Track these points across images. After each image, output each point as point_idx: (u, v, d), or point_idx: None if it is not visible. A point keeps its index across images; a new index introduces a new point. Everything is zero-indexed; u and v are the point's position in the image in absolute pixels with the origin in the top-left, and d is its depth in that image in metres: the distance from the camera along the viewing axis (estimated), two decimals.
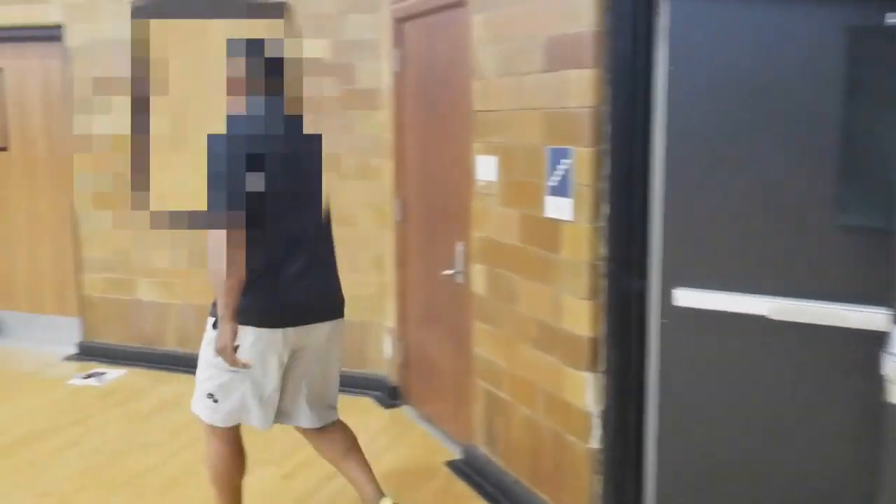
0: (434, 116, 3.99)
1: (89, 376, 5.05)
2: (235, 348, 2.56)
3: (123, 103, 5.06)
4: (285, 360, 2.74)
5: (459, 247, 3.71)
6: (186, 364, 5.15)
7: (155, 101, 4.98)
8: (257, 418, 2.76)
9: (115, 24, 5.00)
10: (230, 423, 2.79)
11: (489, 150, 3.40)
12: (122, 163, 5.03)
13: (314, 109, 4.50)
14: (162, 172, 5.09)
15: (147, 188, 5.10)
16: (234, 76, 2.72)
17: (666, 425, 2.68)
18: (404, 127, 4.29)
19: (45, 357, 5.40)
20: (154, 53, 5.00)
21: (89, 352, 5.38)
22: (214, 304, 2.62)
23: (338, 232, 4.51)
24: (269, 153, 2.60)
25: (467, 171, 3.60)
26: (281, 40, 2.86)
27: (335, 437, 2.97)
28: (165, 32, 4.99)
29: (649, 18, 2.56)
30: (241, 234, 2.50)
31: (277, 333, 2.67)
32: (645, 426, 2.77)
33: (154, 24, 4.90)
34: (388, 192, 4.46)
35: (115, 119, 5.09)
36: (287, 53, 2.78)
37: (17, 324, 5.78)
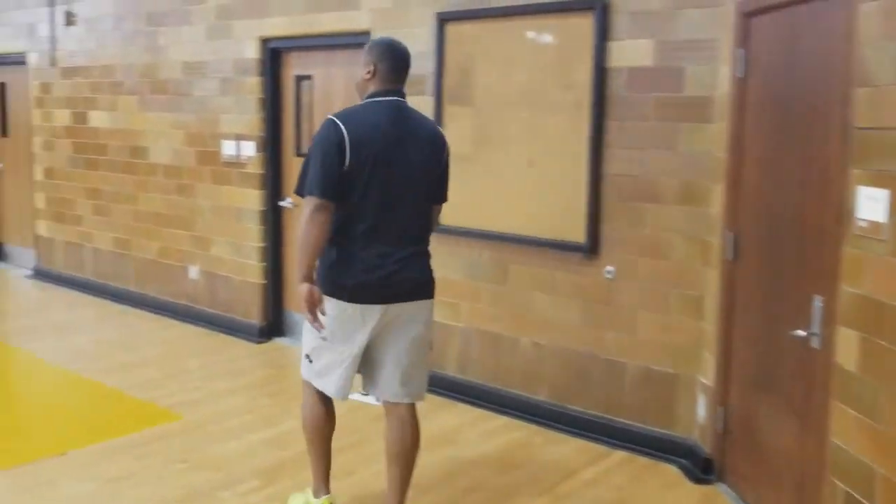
0: (788, 133, 3.18)
1: (368, 394, 4.83)
2: (320, 311, 2.91)
3: (418, 108, 4.81)
4: (368, 333, 2.95)
5: (817, 302, 2.87)
6: (467, 392, 4.86)
7: (456, 111, 4.68)
8: (333, 384, 3.02)
9: (420, 29, 4.75)
10: (338, 393, 3.04)
11: (878, 182, 2.54)
12: None
13: (634, 119, 3.92)
14: (461, 182, 4.76)
15: None
16: (360, 78, 3.07)
17: None
18: (743, 144, 3.51)
19: None
20: (459, 61, 4.69)
21: None
22: (317, 277, 2.97)
23: (645, 264, 3.86)
24: (356, 143, 2.86)
25: (836, 206, 2.77)
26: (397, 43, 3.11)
27: (398, 429, 3.06)
28: (471, 39, 4.66)
29: None
30: (317, 213, 2.85)
31: (357, 308, 2.92)
32: None
33: (460, 29, 4.57)
34: (715, 222, 3.71)
35: None
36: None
37: None
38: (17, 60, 7.79)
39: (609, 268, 4.06)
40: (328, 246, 2.94)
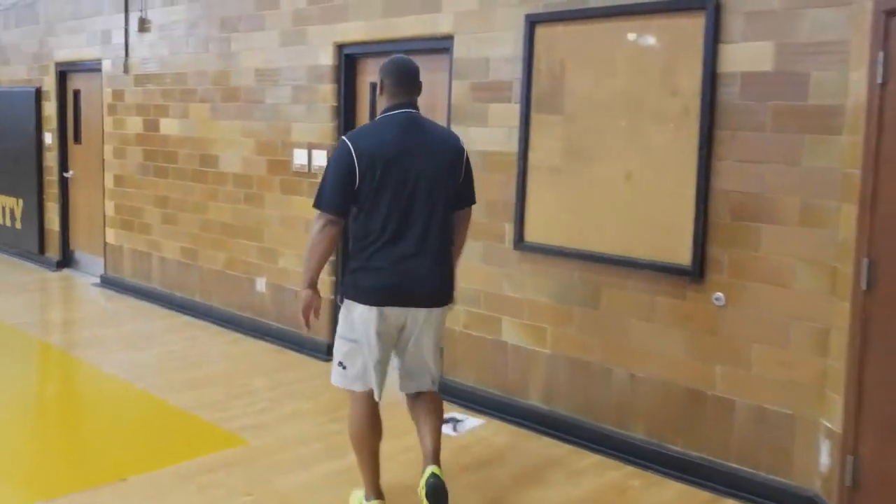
0: None
1: (446, 421, 4.52)
2: (315, 311, 3.23)
3: (503, 116, 4.52)
4: (391, 334, 3.14)
5: None
6: (552, 425, 4.49)
7: (545, 120, 4.35)
8: (377, 381, 3.16)
9: (507, 32, 4.43)
10: (359, 388, 3.18)
11: None
12: (498, 183, 4.52)
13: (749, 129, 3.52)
14: (550, 196, 4.42)
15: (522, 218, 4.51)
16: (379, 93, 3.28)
17: None
18: (882, 160, 3.09)
19: None
20: (549, 66, 4.37)
21: (447, 391, 4.88)
22: (342, 284, 3.29)
23: (760, 292, 3.57)
24: (365, 159, 3.04)
25: None
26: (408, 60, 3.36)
27: (425, 398, 3.30)
28: (563, 42, 4.34)
29: None
30: (327, 227, 3.10)
31: (374, 311, 3.08)
32: None
33: (551, 32, 4.24)
34: (844, 246, 3.28)
35: (490, 133, 4.55)
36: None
37: None
38: (91, 67, 7.75)
39: (718, 294, 3.66)
40: (351, 253, 3.21)
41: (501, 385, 4.61)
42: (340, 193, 3.07)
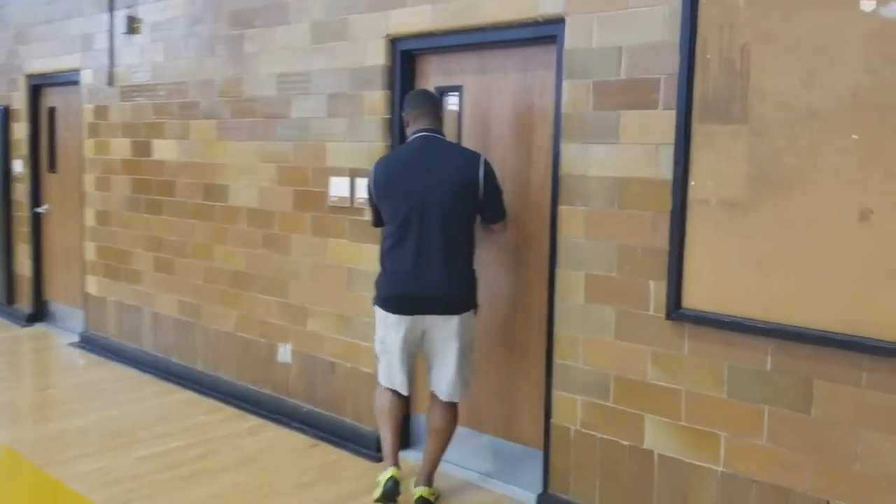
0: None
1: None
2: None
3: (645, 128, 3.18)
4: (412, 338, 3.45)
5: None
6: None
7: (716, 133, 3.05)
8: (399, 381, 3.52)
9: (652, 9, 3.11)
10: (385, 382, 3.58)
11: None
12: (636, 223, 3.06)
13: None
14: (726, 242, 3.06)
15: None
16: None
17: None
18: None
19: None
20: (722, 54, 3.02)
21: None
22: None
23: None
24: (379, 180, 3.51)
25: None
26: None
27: (436, 412, 3.53)
28: (746, 18, 3.03)
29: None
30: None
31: (391, 317, 3.44)
32: None
33: (726, 4, 2.92)
34: None
35: (622, 152, 3.23)
36: None
37: None
38: (69, 80, 6.38)
39: None
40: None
41: None
42: (374, 212, 3.65)
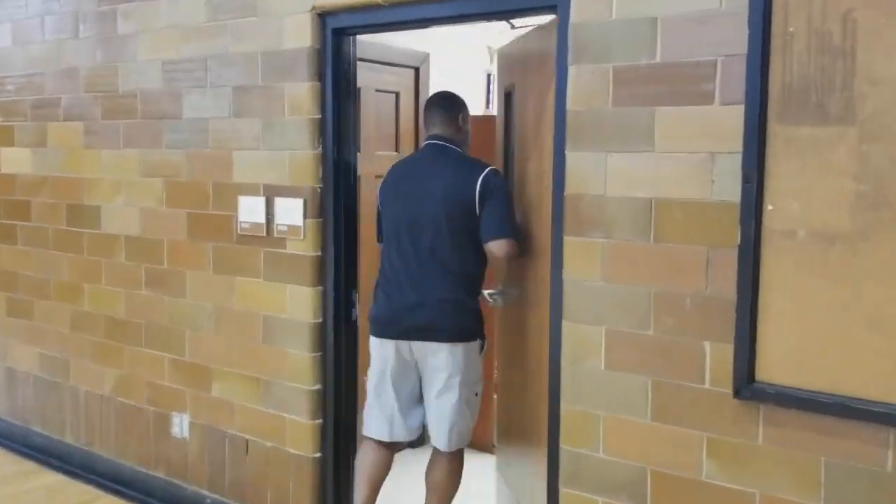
0: None
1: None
2: None
3: (691, 130, 2.30)
4: (394, 369, 3.05)
5: None
6: None
7: (805, 137, 2.08)
8: (376, 419, 3.08)
9: None
10: (365, 431, 3.14)
11: None
12: (681, 261, 2.17)
13: None
14: (822, 292, 2.23)
15: None
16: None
17: None
18: None
19: None
20: (814, 28, 2.15)
21: None
22: None
23: None
24: (383, 189, 3.18)
25: None
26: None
27: (434, 467, 3.10)
28: None
29: None
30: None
31: (377, 342, 3.08)
32: None
33: None
34: None
35: (659, 163, 2.35)
36: None
37: None
38: None
39: None
40: None
41: None
42: (377, 222, 3.24)
